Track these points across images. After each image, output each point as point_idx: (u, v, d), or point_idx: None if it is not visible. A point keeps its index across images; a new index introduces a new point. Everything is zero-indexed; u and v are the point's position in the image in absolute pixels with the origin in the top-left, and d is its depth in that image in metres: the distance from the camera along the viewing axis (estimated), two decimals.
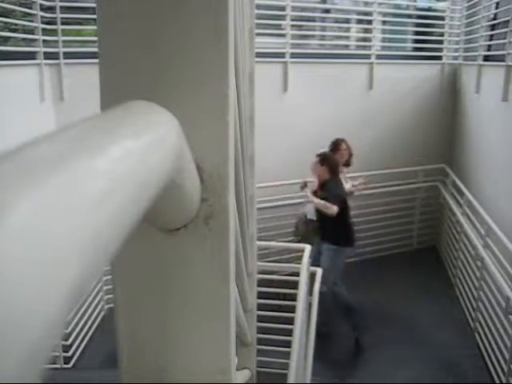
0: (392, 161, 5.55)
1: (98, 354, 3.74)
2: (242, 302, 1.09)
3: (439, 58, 5.81)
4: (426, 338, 4.09)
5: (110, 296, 4.22)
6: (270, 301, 3.00)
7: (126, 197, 0.24)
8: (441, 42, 5.85)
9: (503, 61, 4.16)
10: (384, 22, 6.07)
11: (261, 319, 2.21)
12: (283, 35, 5.11)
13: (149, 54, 0.49)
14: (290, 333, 2.29)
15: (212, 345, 0.56)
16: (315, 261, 3.72)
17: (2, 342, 0.14)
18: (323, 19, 5.95)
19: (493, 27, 4.87)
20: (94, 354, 3.80)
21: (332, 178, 4.00)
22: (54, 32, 4.01)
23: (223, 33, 0.49)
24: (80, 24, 4.59)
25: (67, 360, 3.63)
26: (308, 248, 3.09)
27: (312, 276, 3.20)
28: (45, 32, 3.88)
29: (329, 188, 3.95)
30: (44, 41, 3.85)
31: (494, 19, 4.86)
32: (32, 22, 3.80)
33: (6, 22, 3.68)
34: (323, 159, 4.02)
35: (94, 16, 0.51)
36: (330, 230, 3.97)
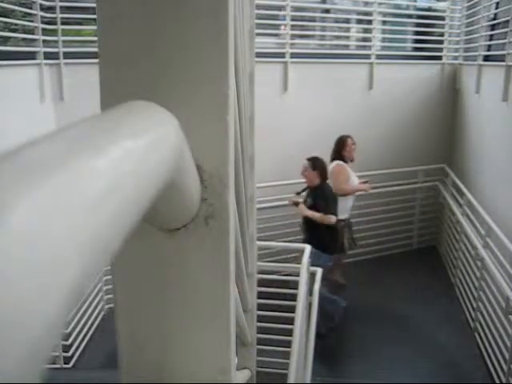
0: (392, 161, 5.55)
1: (98, 354, 3.74)
2: (242, 302, 1.09)
3: (439, 57, 5.81)
4: (426, 337, 4.09)
5: (110, 296, 4.22)
6: (269, 301, 3.00)
7: (126, 197, 0.24)
8: (441, 42, 5.85)
9: (503, 61, 4.16)
10: (384, 22, 6.07)
11: (261, 319, 2.21)
12: (283, 35, 5.11)
13: (149, 54, 0.49)
14: (290, 333, 2.29)
15: (212, 345, 0.56)
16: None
17: (2, 342, 0.14)
18: (323, 19, 5.95)
19: (493, 27, 4.87)
20: (94, 354, 3.80)
21: (322, 182, 4.04)
22: (54, 32, 4.01)
23: (223, 33, 0.49)
24: (80, 24, 4.59)
25: (67, 360, 3.63)
26: (308, 248, 3.09)
27: (312, 276, 3.20)
28: (45, 32, 3.88)
29: (322, 194, 3.98)
30: (44, 41, 3.85)
31: (494, 19, 4.86)
32: (32, 22, 3.80)
33: (6, 22, 3.68)
34: (315, 164, 4.04)
35: (94, 16, 0.51)
36: (313, 234, 3.98)
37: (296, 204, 4.18)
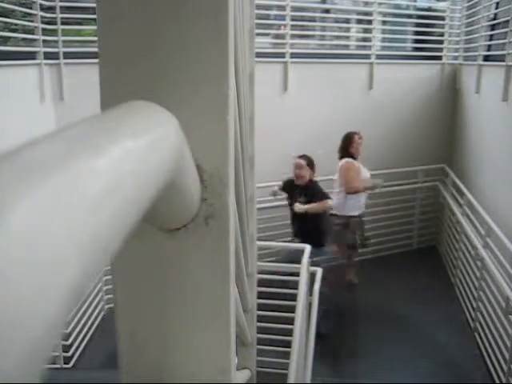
0: (392, 161, 5.55)
1: (98, 354, 3.74)
2: (242, 302, 1.09)
3: (439, 57, 5.81)
4: (426, 337, 4.09)
5: (110, 296, 4.22)
6: (269, 301, 3.00)
7: (126, 197, 0.24)
8: (441, 42, 5.85)
9: (503, 61, 4.16)
10: (384, 22, 6.07)
11: (261, 319, 2.21)
12: (283, 35, 5.11)
13: (149, 54, 0.49)
14: (290, 333, 2.29)
15: (212, 345, 0.56)
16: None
17: (2, 342, 0.14)
18: (323, 19, 5.95)
19: (493, 27, 4.87)
20: (94, 354, 3.80)
21: (312, 179, 4.13)
22: (54, 32, 4.01)
23: (223, 33, 0.49)
24: (80, 24, 4.59)
25: (67, 360, 3.63)
26: (308, 248, 3.09)
27: (312, 276, 3.20)
28: (45, 32, 3.88)
29: (317, 188, 4.10)
30: (44, 41, 3.85)
31: (494, 19, 4.86)
32: (32, 21, 3.80)
33: (6, 22, 3.68)
34: (309, 161, 4.12)
35: (94, 16, 0.51)
36: (311, 230, 4.03)
37: (275, 193, 4.27)
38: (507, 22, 4.16)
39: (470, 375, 3.72)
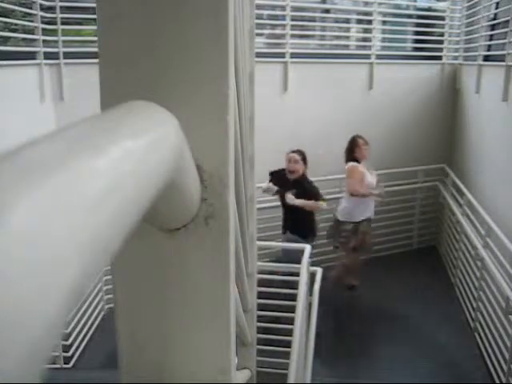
0: (392, 161, 5.55)
1: (98, 354, 3.74)
2: (242, 302, 1.09)
3: (439, 57, 5.81)
4: (426, 337, 4.09)
5: (110, 296, 4.22)
6: (269, 301, 3.00)
7: (126, 197, 0.24)
8: (441, 42, 5.85)
9: (503, 61, 4.16)
10: (384, 22, 6.07)
11: (261, 319, 2.21)
12: (283, 35, 5.11)
13: (149, 54, 0.49)
14: (290, 333, 2.29)
15: (212, 345, 0.56)
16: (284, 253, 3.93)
17: (2, 342, 0.14)
18: (323, 19, 5.95)
19: (493, 27, 4.87)
20: (94, 354, 3.80)
21: (305, 172, 4.18)
22: (54, 32, 4.01)
23: (223, 33, 0.49)
24: (80, 24, 4.59)
25: (67, 360, 3.63)
26: (308, 248, 3.09)
27: (312, 276, 3.20)
28: (45, 32, 3.88)
29: (309, 186, 4.14)
30: (44, 41, 3.85)
31: (494, 19, 4.86)
32: (32, 21, 3.80)
33: (6, 22, 3.68)
34: (303, 155, 4.16)
35: (94, 16, 0.51)
36: (300, 223, 4.13)
37: (276, 193, 4.26)
38: (507, 21, 4.16)
39: (470, 375, 3.71)
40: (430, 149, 5.79)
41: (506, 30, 4.16)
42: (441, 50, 5.81)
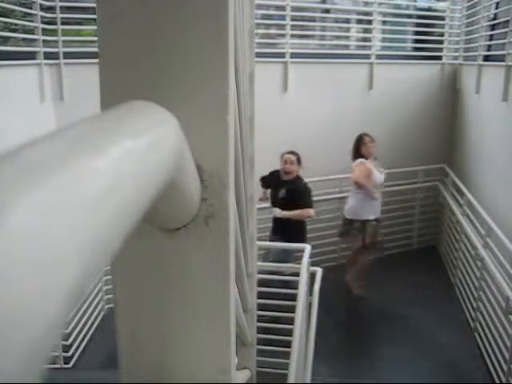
0: (392, 161, 5.55)
1: (98, 354, 3.74)
2: (242, 302, 1.09)
3: (439, 57, 5.81)
4: (426, 337, 4.09)
5: (110, 296, 4.22)
6: (269, 301, 3.00)
7: (126, 197, 0.24)
8: (441, 42, 5.85)
9: (503, 61, 4.16)
10: (384, 22, 6.07)
11: (261, 319, 2.20)
12: (283, 35, 5.11)
13: (149, 54, 0.49)
14: (290, 333, 2.29)
15: (212, 345, 0.56)
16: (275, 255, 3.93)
17: (2, 342, 0.14)
18: (323, 19, 5.95)
19: (493, 27, 4.87)
20: (94, 354, 3.80)
21: (300, 176, 4.18)
22: (54, 32, 4.01)
23: (223, 33, 0.49)
24: (80, 24, 4.59)
25: (67, 360, 3.63)
26: (308, 248, 3.09)
27: (312, 276, 3.20)
28: (45, 32, 3.88)
29: (303, 188, 4.13)
30: (44, 41, 3.85)
31: (494, 19, 4.86)
32: (32, 21, 3.80)
33: (6, 22, 3.68)
34: (298, 157, 4.17)
35: (94, 16, 0.51)
36: (291, 230, 4.11)
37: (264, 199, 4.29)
38: (507, 21, 4.16)
39: (470, 375, 3.71)
40: (430, 149, 5.79)
41: (506, 30, 4.16)
42: (441, 49, 5.81)
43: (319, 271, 3.37)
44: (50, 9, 4.00)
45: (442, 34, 5.90)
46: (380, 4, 5.51)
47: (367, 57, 5.47)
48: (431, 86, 5.76)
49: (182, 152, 0.39)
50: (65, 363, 3.61)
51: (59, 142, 0.22)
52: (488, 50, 4.92)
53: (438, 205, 5.71)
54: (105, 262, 0.22)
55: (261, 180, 4.19)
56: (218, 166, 0.51)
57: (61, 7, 4.05)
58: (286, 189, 4.09)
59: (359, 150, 4.45)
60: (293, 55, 5.07)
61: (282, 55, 5.04)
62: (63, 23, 4.09)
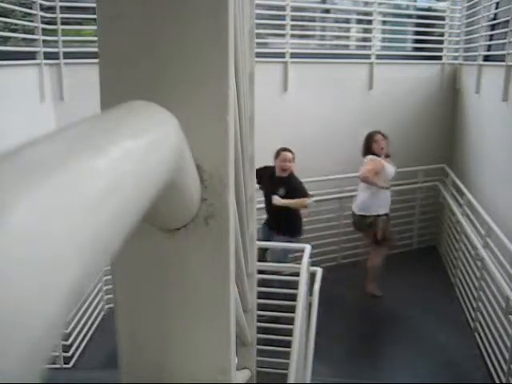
0: (392, 161, 5.55)
1: (98, 354, 3.74)
2: (242, 302, 1.09)
3: (439, 57, 5.81)
4: (426, 337, 4.09)
5: (110, 296, 4.22)
6: (269, 301, 3.00)
7: (126, 197, 0.24)
8: (441, 42, 5.85)
9: (503, 61, 4.16)
10: (384, 22, 6.07)
11: (261, 319, 2.20)
12: (283, 35, 5.11)
13: (149, 54, 0.49)
14: (290, 333, 2.29)
15: (212, 345, 0.56)
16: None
17: (2, 342, 0.14)
18: (323, 19, 5.95)
19: (493, 27, 4.87)
20: (94, 354, 3.80)
21: (293, 173, 4.22)
22: (54, 32, 4.01)
23: (223, 33, 0.49)
24: (80, 24, 4.59)
25: (67, 360, 3.63)
26: (308, 248, 3.09)
27: (312, 276, 3.20)
28: (45, 32, 3.88)
29: (298, 183, 4.17)
30: (44, 41, 3.85)
31: (494, 19, 4.86)
32: (32, 21, 3.80)
33: (6, 22, 3.68)
34: (293, 154, 4.22)
35: (94, 16, 0.51)
36: (289, 222, 4.18)
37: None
38: (507, 21, 4.16)
39: (470, 375, 3.72)
40: (430, 149, 5.79)
41: (506, 30, 4.16)
42: (441, 49, 5.81)
43: (319, 271, 3.37)
44: (50, 9, 4.00)
45: (441, 34, 5.90)
46: (380, 4, 5.51)
47: (367, 57, 5.47)
48: (431, 86, 5.76)
49: (182, 152, 0.39)
50: (65, 363, 3.60)
51: (59, 142, 0.22)
52: (488, 50, 4.92)
53: (438, 205, 5.71)
54: (105, 262, 0.22)
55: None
56: (218, 166, 0.51)
57: (61, 7, 4.04)
58: (285, 187, 4.12)
59: (370, 147, 4.42)
60: (293, 55, 5.07)
61: (282, 55, 5.04)
62: (63, 23, 4.09)
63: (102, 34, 0.49)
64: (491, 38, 4.88)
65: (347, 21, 6.07)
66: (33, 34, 3.81)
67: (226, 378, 0.56)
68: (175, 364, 0.57)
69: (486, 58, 4.87)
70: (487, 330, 3.83)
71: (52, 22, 4.01)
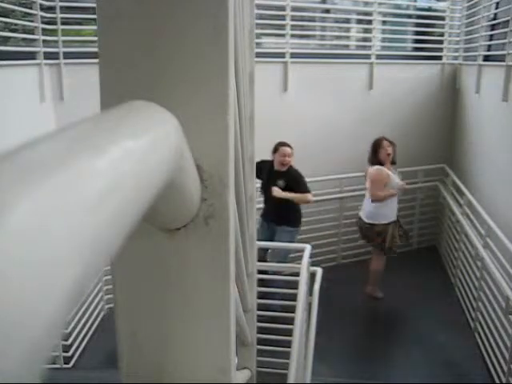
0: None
1: (98, 354, 3.74)
2: (242, 302, 1.09)
3: (439, 57, 5.81)
4: (426, 337, 4.09)
5: (110, 296, 4.22)
6: (270, 301, 3.00)
7: (126, 197, 0.24)
8: (441, 42, 5.85)
9: (503, 61, 4.16)
10: (384, 22, 6.07)
11: (261, 319, 2.20)
12: (283, 35, 5.11)
13: (149, 53, 0.49)
14: (290, 333, 2.29)
15: (212, 345, 0.56)
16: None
17: (2, 342, 0.14)
18: (323, 19, 5.95)
19: (493, 27, 4.87)
20: (94, 353, 3.81)
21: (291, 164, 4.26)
22: (54, 32, 4.01)
23: (223, 33, 0.49)
24: (80, 24, 4.59)
25: (67, 360, 3.63)
26: (308, 248, 3.09)
27: (312, 276, 3.20)
28: (45, 32, 3.88)
29: (297, 176, 4.19)
30: (44, 41, 3.85)
31: (494, 19, 4.86)
32: (32, 21, 3.80)
33: (6, 22, 3.68)
34: (292, 151, 4.24)
35: (94, 16, 0.51)
36: (289, 213, 4.23)
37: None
38: (507, 21, 4.16)
39: (470, 375, 3.72)
40: (430, 149, 5.79)
41: (506, 30, 4.16)
42: (441, 49, 5.81)
43: (319, 271, 3.37)
44: (50, 9, 4.00)
45: (441, 34, 5.90)
46: (380, 4, 5.51)
47: (367, 57, 5.47)
48: (431, 86, 5.76)
49: (182, 152, 0.39)
50: (65, 363, 3.61)
51: (59, 141, 0.22)
52: (488, 50, 4.92)
53: (438, 205, 5.71)
54: (105, 262, 0.22)
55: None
56: (217, 166, 0.51)
57: (61, 7, 4.04)
58: (284, 179, 4.15)
59: (377, 154, 4.34)
60: (293, 55, 5.07)
61: (282, 55, 5.04)
62: (63, 23, 4.09)
63: (101, 33, 0.49)
64: (491, 37, 4.88)
65: (347, 21, 6.07)
66: (33, 33, 3.81)
67: (226, 377, 0.56)
68: (175, 364, 0.57)
69: (486, 58, 4.87)
70: (487, 330, 3.83)
71: (52, 21, 4.01)
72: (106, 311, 4.37)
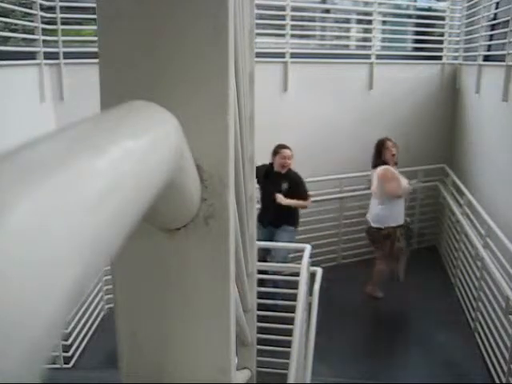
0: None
1: (98, 354, 3.74)
2: (242, 302, 1.09)
3: (439, 57, 5.81)
4: (426, 337, 4.09)
5: (110, 296, 4.22)
6: (270, 301, 3.00)
7: (126, 197, 0.24)
8: (441, 42, 5.85)
9: (503, 61, 4.16)
10: (384, 22, 6.07)
11: (261, 319, 2.20)
12: (283, 35, 5.11)
13: (149, 53, 0.49)
14: (290, 333, 2.29)
15: (212, 345, 0.56)
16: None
17: (2, 342, 0.14)
18: (323, 19, 5.95)
19: (493, 27, 4.87)
20: (94, 353, 3.81)
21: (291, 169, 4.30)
22: (54, 32, 4.01)
23: (223, 33, 0.49)
24: (80, 24, 4.59)
25: (67, 360, 3.63)
26: (308, 248, 3.09)
27: (312, 276, 3.20)
28: (45, 32, 3.88)
29: (297, 179, 4.24)
30: (44, 41, 3.85)
31: (494, 19, 4.86)
32: (32, 21, 3.80)
33: (6, 22, 3.68)
34: (292, 153, 4.28)
35: (94, 16, 0.51)
36: (288, 214, 4.28)
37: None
38: (507, 21, 4.16)
39: (470, 375, 3.72)
40: (430, 149, 5.78)
41: (506, 30, 4.16)
42: (441, 49, 5.81)
43: (319, 271, 3.37)
44: (50, 9, 4.00)
45: (441, 34, 5.90)
46: (380, 4, 5.51)
47: (367, 57, 5.47)
48: (431, 86, 5.76)
49: (182, 152, 0.39)
50: (65, 363, 3.61)
51: (59, 141, 0.22)
52: (488, 50, 4.92)
53: (438, 205, 5.71)
54: (105, 262, 0.22)
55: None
56: (217, 166, 0.51)
57: (61, 7, 4.04)
58: (287, 182, 4.20)
59: (381, 155, 4.32)
60: (293, 55, 5.07)
61: (282, 55, 5.04)
62: (63, 23, 4.09)
63: (101, 33, 0.49)
64: (491, 38, 4.88)
65: (347, 21, 6.08)
66: (33, 33, 3.81)
67: (226, 377, 0.56)
68: (175, 364, 0.57)
69: (486, 58, 4.87)
70: (487, 330, 3.83)
71: (52, 21, 4.01)
72: (106, 311, 4.37)
